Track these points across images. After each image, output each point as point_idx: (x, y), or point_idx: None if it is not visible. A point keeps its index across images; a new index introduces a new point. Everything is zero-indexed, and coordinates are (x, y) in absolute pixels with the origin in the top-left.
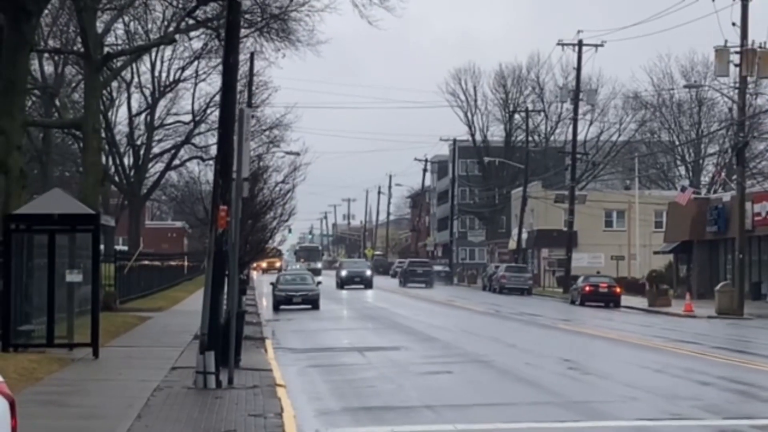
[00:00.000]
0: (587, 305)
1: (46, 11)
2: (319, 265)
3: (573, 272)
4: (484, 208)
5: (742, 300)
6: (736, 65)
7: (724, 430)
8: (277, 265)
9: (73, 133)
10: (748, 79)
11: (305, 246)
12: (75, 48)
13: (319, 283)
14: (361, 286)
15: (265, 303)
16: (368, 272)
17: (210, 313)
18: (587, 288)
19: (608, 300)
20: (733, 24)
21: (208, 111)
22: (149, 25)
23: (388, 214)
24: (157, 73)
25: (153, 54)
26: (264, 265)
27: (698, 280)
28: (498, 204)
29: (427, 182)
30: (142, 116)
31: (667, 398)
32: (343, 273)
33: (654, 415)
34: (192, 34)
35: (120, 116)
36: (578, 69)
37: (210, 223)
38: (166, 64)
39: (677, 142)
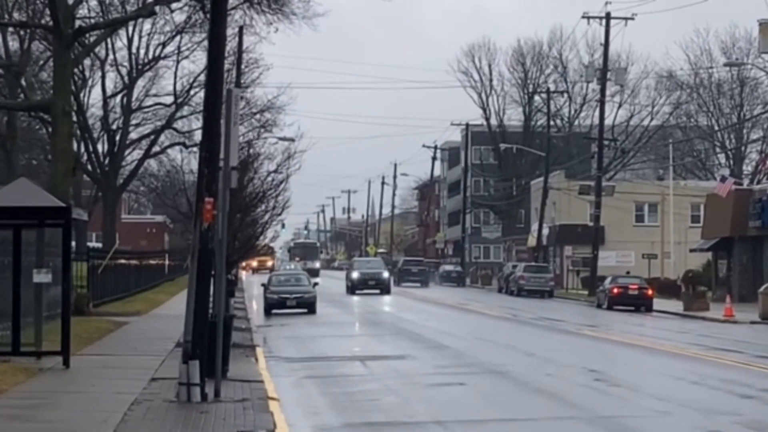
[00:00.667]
0: (615, 309)
1: None
2: (317, 264)
3: (599, 272)
4: (501, 200)
5: None
6: None
7: None
8: (269, 264)
9: (40, 116)
10: None
11: (301, 243)
12: (43, 21)
13: (315, 284)
14: (377, 291)
15: (256, 306)
16: (385, 274)
17: (194, 317)
18: (615, 290)
19: (639, 303)
20: None
21: (192, 92)
22: None
23: (393, 207)
24: (134, 50)
25: (130, 28)
26: (254, 264)
27: (740, 281)
28: (516, 196)
29: (437, 172)
30: (118, 98)
31: (703, 413)
32: (355, 275)
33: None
34: (174, 5)
35: (93, 98)
36: (606, 45)
37: (194, 217)
38: (144, 40)
39: (716, 127)
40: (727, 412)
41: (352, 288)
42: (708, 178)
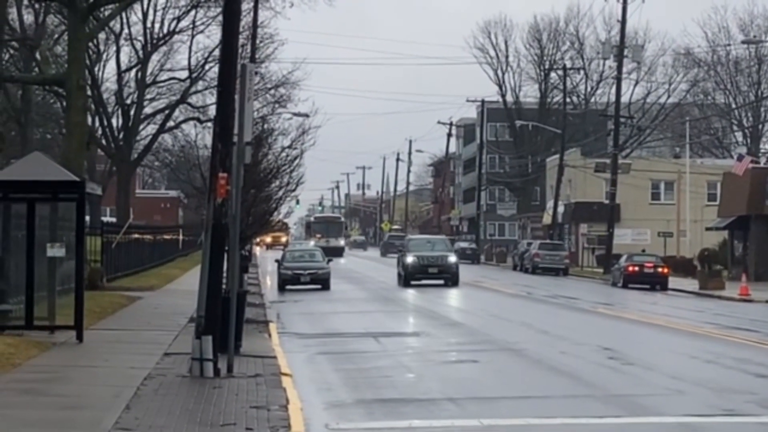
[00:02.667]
0: (630, 287)
1: None
2: (342, 242)
3: (615, 250)
4: (516, 177)
5: None
6: None
7: None
8: (283, 240)
9: (55, 90)
10: None
11: (323, 217)
12: None
13: (329, 260)
14: (441, 281)
15: (270, 282)
16: (451, 258)
17: (207, 293)
18: (631, 268)
19: (654, 282)
20: None
21: (207, 67)
22: None
23: (408, 183)
24: (149, 24)
25: (145, 2)
26: (268, 240)
27: (756, 260)
28: (531, 173)
29: (452, 148)
30: (133, 72)
31: (718, 392)
32: (410, 259)
33: (703, 411)
34: None
35: (108, 72)
36: (623, 22)
37: (208, 192)
38: (159, 14)
39: (734, 105)
40: (741, 391)
41: (407, 277)
42: (725, 156)
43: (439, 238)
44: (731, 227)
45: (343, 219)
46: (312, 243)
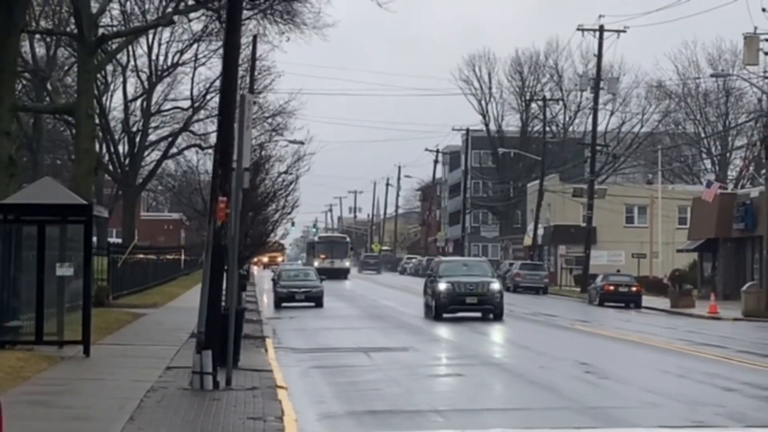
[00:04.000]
0: (606, 305)
1: None
2: (347, 263)
3: (591, 270)
4: (498, 201)
5: None
6: (766, 53)
7: None
8: (279, 260)
9: (65, 118)
10: None
11: (327, 237)
12: (68, 29)
13: (322, 280)
14: (480, 313)
15: (266, 300)
16: (495, 285)
17: (208, 310)
18: (606, 287)
19: (628, 300)
20: (763, 10)
21: (208, 97)
22: (146, 5)
23: (397, 207)
24: (154, 57)
25: (150, 36)
26: (265, 259)
27: (724, 281)
28: (513, 198)
29: (439, 174)
30: (138, 102)
31: (689, 405)
32: (443, 287)
33: (675, 423)
34: (191, 15)
35: (115, 101)
36: (599, 56)
37: (208, 215)
38: (163, 47)
39: (703, 134)
40: (710, 404)
41: (438, 309)
42: (694, 182)
43: (478, 261)
44: (701, 249)
45: (348, 239)
46: (316, 264)
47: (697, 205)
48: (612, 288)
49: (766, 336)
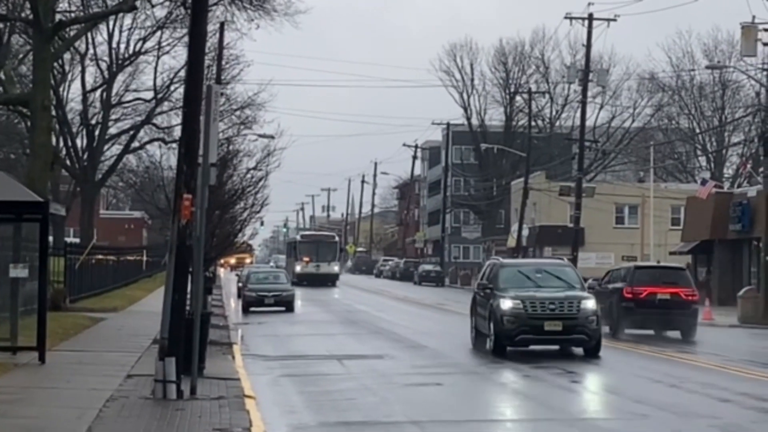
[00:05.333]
0: None
1: None
2: (336, 267)
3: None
4: (481, 200)
5: (767, 307)
6: (764, 44)
7: None
8: (248, 261)
9: (19, 110)
10: None
11: (312, 235)
12: (23, 15)
13: (292, 282)
14: (569, 344)
15: (234, 304)
16: (588, 303)
17: (171, 314)
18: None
19: None
20: None
21: (172, 87)
22: None
23: (373, 206)
24: (114, 45)
25: (110, 23)
26: (233, 261)
27: (719, 285)
28: (496, 196)
29: (417, 171)
30: (98, 92)
31: (681, 416)
32: (508, 305)
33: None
34: (154, 1)
35: (72, 92)
36: (588, 46)
37: (172, 213)
38: (125, 35)
39: (698, 130)
40: (704, 416)
41: (501, 338)
42: (688, 180)
43: (558, 265)
44: (695, 252)
45: (337, 238)
46: (298, 268)
47: (691, 204)
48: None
49: (763, 344)
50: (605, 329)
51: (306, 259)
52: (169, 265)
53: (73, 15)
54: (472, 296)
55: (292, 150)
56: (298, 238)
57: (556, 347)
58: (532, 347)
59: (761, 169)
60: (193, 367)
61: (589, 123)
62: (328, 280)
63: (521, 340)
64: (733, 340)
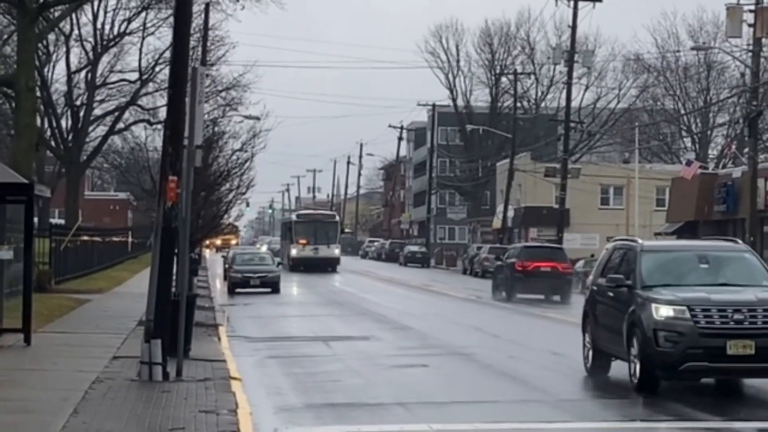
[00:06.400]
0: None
1: None
2: (336, 251)
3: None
4: (466, 181)
5: None
6: (749, 25)
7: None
8: (233, 242)
9: (4, 91)
10: (763, 40)
11: (310, 215)
12: None
13: (279, 264)
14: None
15: (219, 285)
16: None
17: (157, 296)
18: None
19: None
20: None
21: (157, 68)
22: None
23: (359, 187)
24: (99, 25)
25: (95, 3)
26: (218, 242)
27: None
28: (481, 177)
29: (403, 152)
30: (83, 73)
31: (665, 396)
32: (664, 313)
33: (650, 416)
34: None
35: (57, 73)
36: (573, 27)
37: (158, 195)
38: (110, 15)
39: (683, 111)
40: (687, 396)
41: (657, 362)
42: (673, 161)
43: (730, 248)
44: (679, 232)
45: (337, 217)
46: (294, 251)
47: (676, 185)
48: None
49: None
50: (502, 295)
51: (303, 241)
52: (155, 247)
53: None
54: (587, 297)
55: (278, 131)
56: (294, 217)
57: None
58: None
59: (746, 150)
60: (178, 348)
61: (574, 104)
62: (327, 265)
63: (689, 369)
64: None
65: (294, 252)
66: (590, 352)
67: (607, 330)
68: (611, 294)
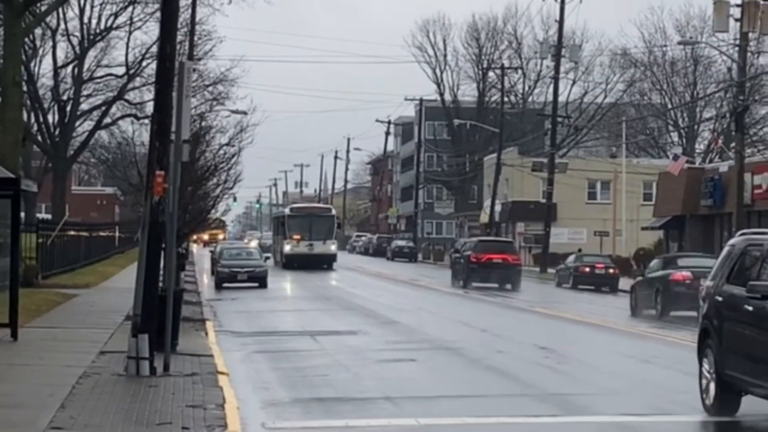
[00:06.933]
0: (580, 288)
1: None
2: (333, 247)
3: (552, 249)
4: (454, 176)
5: None
6: (736, 20)
7: (715, 428)
8: (220, 237)
9: None
10: (750, 35)
11: (303, 209)
12: None
13: (267, 258)
14: None
15: (207, 280)
16: None
17: (144, 291)
18: (583, 269)
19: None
20: None
21: (144, 63)
22: None
23: (346, 181)
24: (86, 20)
25: None
26: (206, 237)
27: None
28: (469, 172)
29: (390, 147)
30: (69, 68)
31: (654, 392)
32: None
33: (639, 410)
34: None
35: (44, 68)
36: (560, 22)
37: (145, 190)
38: (96, 10)
39: (670, 105)
40: (677, 391)
41: None
42: (660, 156)
43: None
44: (667, 227)
45: (333, 211)
46: (288, 247)
47: (663, 180)
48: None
49: None
50: (459, 284)
51: (297, 236)
52: (142, 242)
53: None
54: (705, 310)
55: (265, 126)
56: (287, 211)
57: None
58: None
59: (733, 145)
60: (166, 343)
61: (561, 99)
62: (323, 262)
63: None
64: None
65: (287, 248)
66: (712, 385)
67: (744, 357)
68: (752, 308)
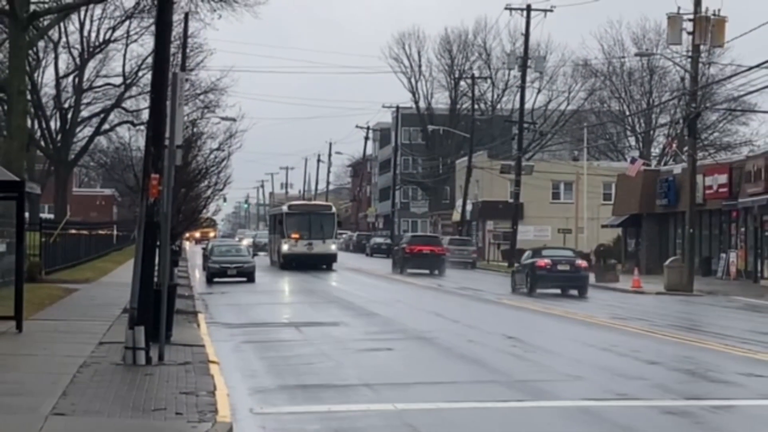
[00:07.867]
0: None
1: None
2: (333, 246)
3: (518, 245)
4: (428, 178)
5: (691, 276)
6: (689, 33)
7: (671, 411)
8: (211, 235)
9: None
10: (701, 47)
11: (302, 206)
12: None
13: (255, 254)
14: None
15: (198, 275)
16: None
17: (140, 285)
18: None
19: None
20: None
21: (140, 73)
22: None
23: (328, 183)
24: (86, 33)
25: (82, 13)
26: (197, 235)
27: (647, 255)
28: (442, 174)
29: (369, 151)
30: (70, 78)
31: (613, 378)
32: None
33: (599, 395)
34: None
35: (46, 78)
36: (526, 35)
37: (141, 192)
38: (95, 24)
39: (627, 112)
40: (634, 377)
41: None
42: (619, 159)
43: None
44: (625, 224)
45: (334, 209)
46: (286, 247)
47: (621, 181)
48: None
49: (687, 309)
50: (398, 270)
51: (295, 235)
52: (138, 240)
53: (46, 6)
54: None
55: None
56: (285, 209)
57: None
58: None
59: (686, 149)
60: (160, 334)
61: (527, 106)
62: (323, 262)
63: None
64: (660, 306)
65: (285, 248)
66: None
67: None
68: None
